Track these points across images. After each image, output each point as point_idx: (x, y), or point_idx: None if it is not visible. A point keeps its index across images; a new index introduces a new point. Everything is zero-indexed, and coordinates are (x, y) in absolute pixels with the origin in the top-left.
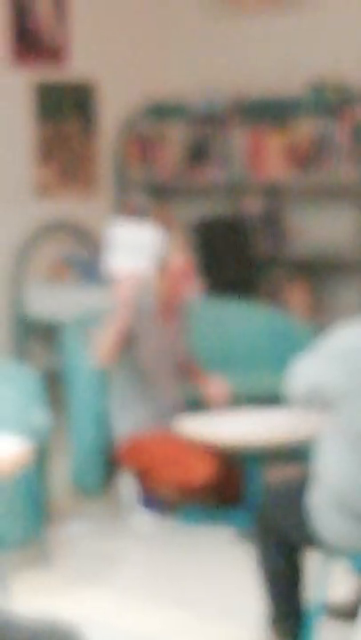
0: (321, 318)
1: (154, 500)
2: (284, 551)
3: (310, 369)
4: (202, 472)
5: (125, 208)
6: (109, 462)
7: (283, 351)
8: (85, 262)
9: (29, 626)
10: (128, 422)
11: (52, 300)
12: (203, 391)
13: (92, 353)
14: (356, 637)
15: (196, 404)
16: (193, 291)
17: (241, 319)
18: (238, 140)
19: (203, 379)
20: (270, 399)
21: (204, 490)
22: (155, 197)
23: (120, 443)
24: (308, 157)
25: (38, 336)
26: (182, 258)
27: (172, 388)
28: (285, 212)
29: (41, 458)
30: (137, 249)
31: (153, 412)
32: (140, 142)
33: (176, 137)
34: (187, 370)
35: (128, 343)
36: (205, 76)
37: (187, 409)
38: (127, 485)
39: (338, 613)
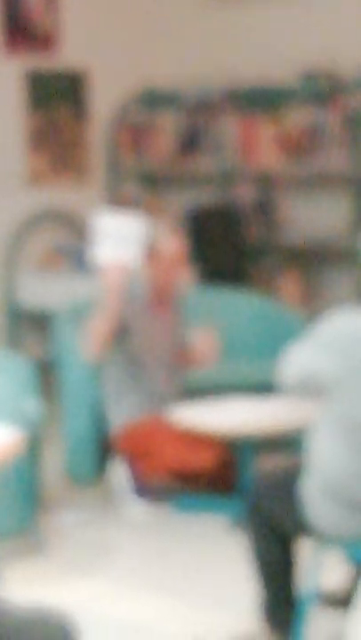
0: (313, 306)
1: (147, 489)
2: (276, 539)
3: (303, 357)
4: (205, 458)
5: (117, 196)
6: (102, 451)
7: (275, 339)
8: (77, 251)
9: (22, 614)
10: (122, 411)
11: (45, 289)
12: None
13: (83, 345)
14: (350, 625)
15: (194, 393)
16: (185, 278)
17: (233, 308)
18: (230, 128)
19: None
20: (263, 388)
21: (205, 476)
22: (147, 186)
23: (114, 431)
24: (300, 146)
25: (30, 325)
26: (175, 245)
27: (166, 377)
28: (277, 201)
29: (34, 447)
30: (122, 239)
31: (147, 401)
32: (131, 131)
33: (168, 125)
34: (181, 359)
35: (121, 332)
36: (198, 65)
37: (184, 398)
38: (120, 474)
39: (330, 601)
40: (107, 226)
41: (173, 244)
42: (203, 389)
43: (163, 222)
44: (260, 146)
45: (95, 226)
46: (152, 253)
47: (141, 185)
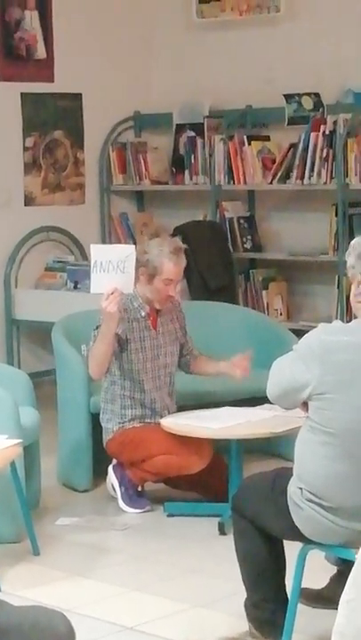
0: (297, 318)
1: (140, 495)
2: (264, 540)
3: (288, 369)
4: (194, 462)
5: (110, 214)
6: (97, 459)
7: (261, 352)
8: (72, 266)
9: (21, 613)
10: (117, 423)
11: (41, 304)
12: (225, 370)
13: (88, 367)
14: (336, 624)
15: (187, 404)
16: (178, 294)
17: (221, 321)
18: (218, 148)
19: (216, 363)
20: (250, 399)
21: (194, 480)
22: (138, 204)
23: (109, 440)
24: (284, 165)
25: (27, 338)
26: (172, 263)
27: (162, 392)
28: (263, 218)
29: (30, 455)
30: (115, 267)
31: (142, 415)
32: (124, 151)
33: (159, 146)
34: (197, 366)
35: (120, 347)
36: (187, 88)
37: (178, 409)
38: (114, 481)
39: (315, 600)
40: (100, 255)
41: (176, 264)
42: (195, 400)
43: (168, 241)
44: (247, 165)
45: (91, 257)
46: (153, 272)
47: (133, 203)
